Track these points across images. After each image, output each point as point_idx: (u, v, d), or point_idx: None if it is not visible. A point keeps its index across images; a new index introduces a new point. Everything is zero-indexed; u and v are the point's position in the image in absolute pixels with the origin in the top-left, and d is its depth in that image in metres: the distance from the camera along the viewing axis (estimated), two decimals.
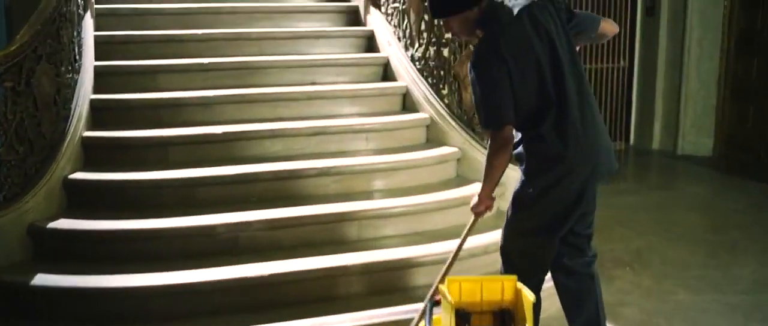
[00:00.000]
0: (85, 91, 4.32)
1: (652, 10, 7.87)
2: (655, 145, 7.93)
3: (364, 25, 5.59)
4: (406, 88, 4.97)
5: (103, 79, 4.61)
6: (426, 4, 4.61)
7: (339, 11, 5.74)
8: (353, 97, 4.88)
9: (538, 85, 2.75)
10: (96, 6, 5.10)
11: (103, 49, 4.80)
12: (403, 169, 4.33)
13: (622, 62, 7.86)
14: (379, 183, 4.26)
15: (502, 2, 2.85)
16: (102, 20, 5.10)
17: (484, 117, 2.81)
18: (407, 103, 4.98)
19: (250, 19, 5.45)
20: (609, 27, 3.08)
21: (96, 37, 4.83)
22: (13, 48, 3.48)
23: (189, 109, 4.53)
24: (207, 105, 4.55)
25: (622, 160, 7.57)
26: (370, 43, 5.46)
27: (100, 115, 4.39)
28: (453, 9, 2.85)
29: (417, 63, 4.96)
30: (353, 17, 5.70)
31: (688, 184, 6.70)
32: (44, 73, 3.71)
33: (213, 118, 4.50)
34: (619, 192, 6.17)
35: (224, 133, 4.28)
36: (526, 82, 2.73)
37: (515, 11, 2.78)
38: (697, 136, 7.68)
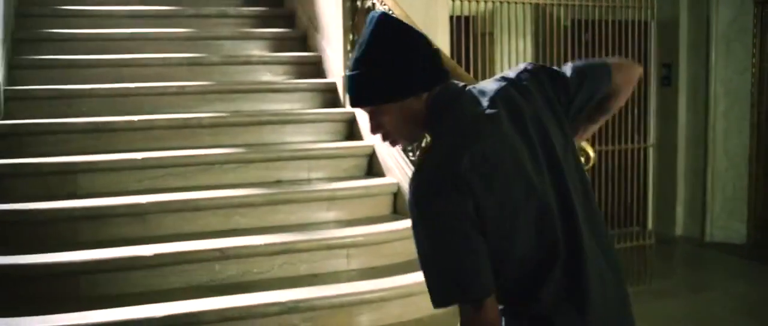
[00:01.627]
0: None
1: (668, 80, 7.11)
2: (679, 231, 7.17)
3: (343, 106, 4.62)
4: (398, 185, 4.06)
5: (5, 184, 3.66)
6: None
7: (313, 90, 4.78)
8: (330, 199, 3.94)
9: (537, 222, 1.66)
10: (5, 88, 4.14)
11: (7, 142, 3.90)
12: (396, 299, 3.37)
13: (642, 141, 6.82)
14: (365, 320, 3.30)
15: (465, 87, 1.77)
16: (14, 105, 4.19)
17: (437, 287, 1.63)
18: (399, 206, 4.05)
19: (202, 100, 4.47)
20: (625, 74, 1.95)
21: None
22: None
23: (115, 221, 3.58)
24: (139, 215, 3.60)
25: (645, 251, 6.60)
26: (351, 129, 4.52)
27: None
28: (381, 94, 1.70)
29: (411, 154, 3.98)
30: (330, 97, 4.74)
31: (732, 282, 5.84)
32: None
33: (147, 232, 3.57)
34: (654, 295, 5.31)
35: (156, 255, 3.31)
36: (515, 220, 1.64)
37: (485, 101, 1.70)
38: (728, 221, 6.96)
